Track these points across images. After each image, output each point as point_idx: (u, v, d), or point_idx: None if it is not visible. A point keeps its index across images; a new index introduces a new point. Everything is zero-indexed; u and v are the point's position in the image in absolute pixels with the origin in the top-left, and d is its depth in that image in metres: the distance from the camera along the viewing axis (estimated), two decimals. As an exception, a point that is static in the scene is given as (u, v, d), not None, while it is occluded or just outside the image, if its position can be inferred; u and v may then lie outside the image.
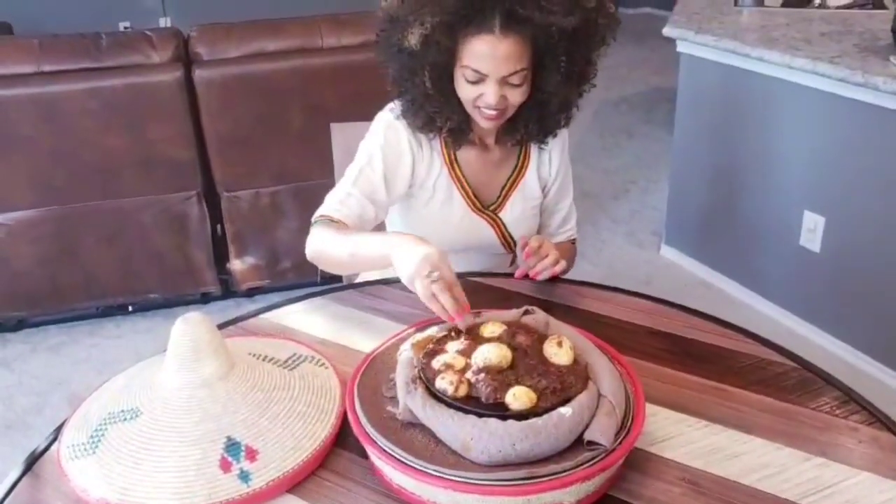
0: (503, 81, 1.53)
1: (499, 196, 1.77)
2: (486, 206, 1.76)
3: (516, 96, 1.57)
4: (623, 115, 5.43)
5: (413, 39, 1.52)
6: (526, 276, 1.64)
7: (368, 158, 1.66)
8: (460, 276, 1.71)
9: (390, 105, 1.70)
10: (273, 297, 1.67)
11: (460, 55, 1.54)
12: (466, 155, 1.73)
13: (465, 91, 1.57)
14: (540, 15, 1.48)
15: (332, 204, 1.63)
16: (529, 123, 1.67)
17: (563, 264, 1.62)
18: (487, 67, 1.51)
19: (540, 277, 1.62)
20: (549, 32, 1.52)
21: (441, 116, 1.62)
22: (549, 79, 1.59)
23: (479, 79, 1.53)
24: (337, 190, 1.66)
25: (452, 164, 1.72)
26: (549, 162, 1.79)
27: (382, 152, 1.65)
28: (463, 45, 1.53)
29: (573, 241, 1.94)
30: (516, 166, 1.77)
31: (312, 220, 1.63)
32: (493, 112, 1.57)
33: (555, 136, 1.74)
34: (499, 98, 1.54)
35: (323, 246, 1.58)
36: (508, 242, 1.80)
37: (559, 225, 1.89)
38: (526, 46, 1.52)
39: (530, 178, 1.79)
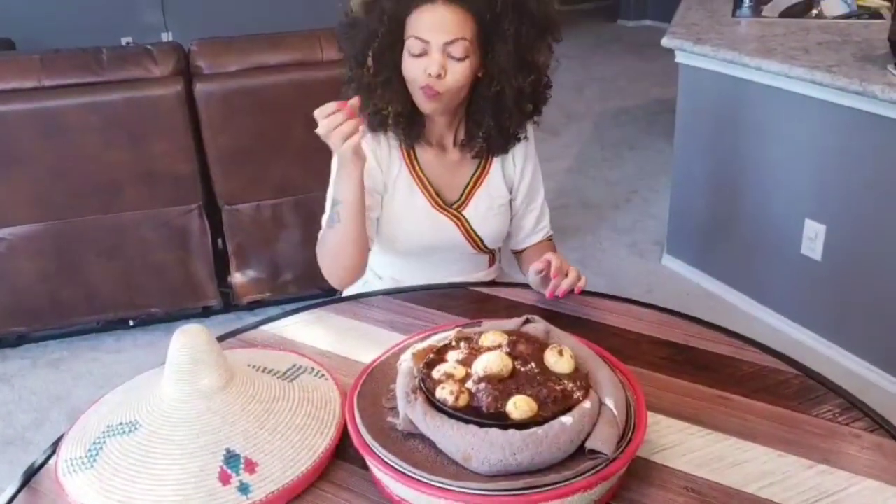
0: (445, 52, 1.55)
1: (461, 195, 1.76)
2: (450, 204, 1.76)
3: (458, 71, 1.57)
4: (624, 127, 5.44)
5: (357, 6, 1.59)
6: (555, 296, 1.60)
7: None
8: (452, 286, 1.72)
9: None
10: (274, 310, 1.67)
11: (406, 30, 1.57)
12: (426, 155, 1.73)
13: (409, 68, 1.58)
14: None
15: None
16: (486, 121, 1.66)
17: (584, 279, 1.60)
18: (429, 34, 1.54)
19: (565, 294, 1.59)
20: (494, 4, 1.54)
21: (383, 101, 1.62)
22: (499, 60, 1.59)
23: (423, 50, 1.55)
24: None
25: (412, 162, 1.72)
26: (513, 161, 1.78)
27: None
28: (408, 18, 1.56)
29: (549, 238, 1.92)
30: (479, 165, 1.76)
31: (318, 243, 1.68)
32: (430, 88, 1.57)
33: (517, 141, 1.74)
34: (440, 69, 1.54)
35: (324, 247, 1.63)
36: (476, 241, 1.78)
37: (534, 225, 1.87)
38: (469, 18, 1.55)
39: (495, 177, 1.78)
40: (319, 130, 1.44)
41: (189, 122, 2.91)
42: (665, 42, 3.25)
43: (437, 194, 1.74)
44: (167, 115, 2.88)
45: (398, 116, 1.63)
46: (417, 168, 1.72)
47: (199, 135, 2.95)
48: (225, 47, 2.97)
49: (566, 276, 1.57)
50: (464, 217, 1.76)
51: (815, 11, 3.47)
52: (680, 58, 3.27)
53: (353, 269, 1.65)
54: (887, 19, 3.18)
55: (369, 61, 1.60)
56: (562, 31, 1.65)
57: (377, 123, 1.65)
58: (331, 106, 1.43)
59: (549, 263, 1.57)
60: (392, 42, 1.59)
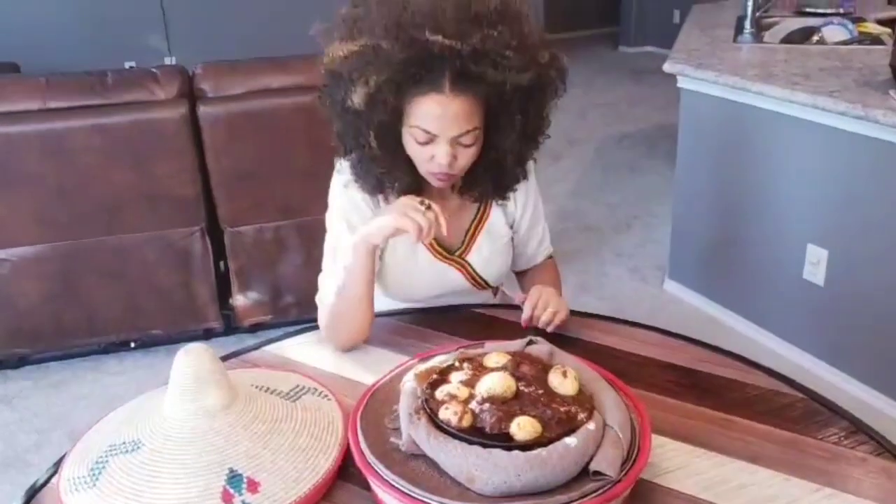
0: (454, 141, 1.46)
1: (463, 241, 1.70)
2: (452, 251, 1.70)
3: (467, 156, 1.50)
4: (625, 151, 5.46)
5: (358, 99, 1.44)
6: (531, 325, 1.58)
7: (337, 232, 1.63)
8: (454, 307, 1.71)
9: (337, 165, 1.64)
10: (276, 333, 1.66)
11: (408, 114, 1.46)
12: None
13: (414, 151, 1.51)
14: (494, 72, 1.41)
15: (325, 288, 1.64)
16: (485, 182, 1.62)
17: (562, 315, 1.56)
18: (438, 128, 1.44)
19: (549, 329, 1.56)
20: (503, 90, 1.44)
21: (389, 177, 1.55)
22: (505, 137, 1.53)
23: (429, 139, 1.46)
24: (324, 271, 1.67)
25: None
26: (514, 199, 1.72)
27: (346, 222, 1.61)
28: (411, 104, 1.45)
29: (550, 256, 1.89)
30: (479, 208, 1.71)
31: (318, 303, 1.65)
32: (444, 174, 1.51)
33: (514, 190, 1.69)
34: (450, 158, 1.47)
35: (328, 310, 1.57)
36: (481, 283, 1.74)
37: (536, 248, 1.84)
38: (478, 105, 1.45)
39: (496, 219, 1.73)
40: (405, 200, 1.43)
41: (192, 144, 2.92)
42: (667, 67, 3.26)
43: (439, 243, 1.68)
44: (171, 138, 2.89)
45: (402, 185, 1.56)
46: None
47: (202, 157, 2.96)
48: (228, 70, 2.99)
49: (546, 307, 1.55)
50: (468, 263, 1.71)
51: (816, 38, 3.49)
52: (681, 83, 3.29)
53: (360, 334, 1.57)
54: (888, 45, 3.20)
55: (372, 141, 1.50)
56: (566, 84, 1.57)
57: (377, 188, 1.59)
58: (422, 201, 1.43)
59: (529, 297, 1.57)
60: (394, 124, 1.50)
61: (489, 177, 1.61)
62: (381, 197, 1.61)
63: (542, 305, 1.56)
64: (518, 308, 1.62)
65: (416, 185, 1.57)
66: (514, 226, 1.77)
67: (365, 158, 1.54)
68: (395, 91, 1.43)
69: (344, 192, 1.62)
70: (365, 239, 1.48)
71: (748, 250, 3.21)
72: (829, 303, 2.90)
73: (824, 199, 2.85)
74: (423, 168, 1.53)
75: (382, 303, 1.69)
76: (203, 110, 2.90)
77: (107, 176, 2.89)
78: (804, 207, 2.93)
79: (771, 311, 3.16)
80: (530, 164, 1.71)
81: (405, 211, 1.41)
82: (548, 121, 1.59)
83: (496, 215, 1.73)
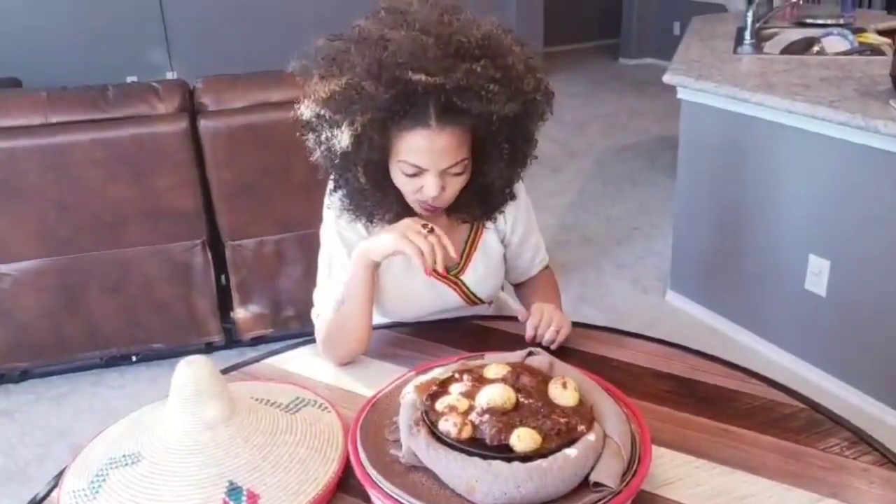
0: (444, 172, 1.46)
1: (460, 261, 1.69)
2: (448, 271, 1.68)
3: (456, 185, 1.51)
4: (626, 163, 5.46)
5: (344, 140, 1.44)
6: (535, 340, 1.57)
7: (331, 246, 1.63)
8: (454, 319, 1.71)
9: (329, 193, 1.62)
10: (277, 346, 1.66)
11: (396, 149, 1.46)
12: None
13: (402, 184, 1.51)
14: (479, 104, 1.40)
15: (321, 304, 1.64)
16: (473, 206, 1.62)
17: (565, 332, 1.56)
18: (426, 161, 1.44)
19: (554, 346, 1.54)
20: (490, 121, 1.44)
21: (380, 210, 1.55)
22: (492, 165, 1.53)
23: (418, 172, 1.46)
24: (319, 287, 1.66)
25: None
26: (504, 217, 1.71)
27: (340, 236, 1.61)
28: (398, 139, 1.44)
29: (547, 267, 1.88)
30: (472, 228, 1.70)
31: (313, 319, 1.65)
32: (431, 207, 1.52)
33: (502, 212, 1.68)
34: (439, 190, 1.47)
35: (326, 326, 1.56)
36: (474, 301, 1.74)
37: (530, 260, 1.83)
38: (465, 136, 1.45)
39: (489, 237, 1.72)
40: (408, 222, 1.43)
41: (193, 158, 2.93)
42: (667, 78, 3.27)
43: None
44: (172, 152, 2.90)
45: (392, 217, 1.55)
46: None
47: (203, 171, 2.97)
48: (229, 84, 3.00)
49: (549, 325, 1.55)
50: (462, 282, 1.71)
51: (816, 48, 3.51)
52: (682, 94, 3.29)
53: (358, 348, 1.57)
54: (888, 56, 3.21)
55: (360, 177, 1.50)
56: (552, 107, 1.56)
57: (369, 219, 1.58)
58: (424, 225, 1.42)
59: (531, 316, 1.56)
60: (382, 159, 1.50)
61: (477, 201, 1.61)
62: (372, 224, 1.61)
63: (544, 323, 1.55)
64: (517, 320, 1.62)
65: (406, 214, 1.55)
66: (506, 241, 1.76)
67: (355, 194, 1.54)
68: (380, 129, 1.43)
69: (333, 206, 1.62)
70: (364, 255, 1.48)
71: (750, 261, 3.20)
72: (831, 313, 2.89)
73: (826, 209, 2.85)
74: (411, 198, 1.53)
75: (375, 317, 1.69)
76: (204, 124, 2.91)
77: (108, 190, 2.89)
78: (805, 218, 2.93)
79: (773, 322, 3.16)
80: (519, 184, 1.69)
81: (406, 233, 1.41)
82: (535, 143, 1.59)
83: (489, 234, 1.72)
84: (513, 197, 1.67)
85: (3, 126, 2.80)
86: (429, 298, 1.70)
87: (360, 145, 1.44)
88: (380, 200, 1.54)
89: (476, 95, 1.39)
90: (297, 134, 1.56)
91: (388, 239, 1.43)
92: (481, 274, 1.72)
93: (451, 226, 1.67)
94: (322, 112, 1.46)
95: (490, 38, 1.44)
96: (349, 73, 1.41)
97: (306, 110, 1.49)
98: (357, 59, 1.41)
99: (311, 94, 1.47)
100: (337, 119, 1.43)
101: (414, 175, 1.47)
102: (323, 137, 1.48)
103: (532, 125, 1.54)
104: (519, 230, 1.76)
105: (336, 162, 1.50)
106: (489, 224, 1.72)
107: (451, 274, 1.70)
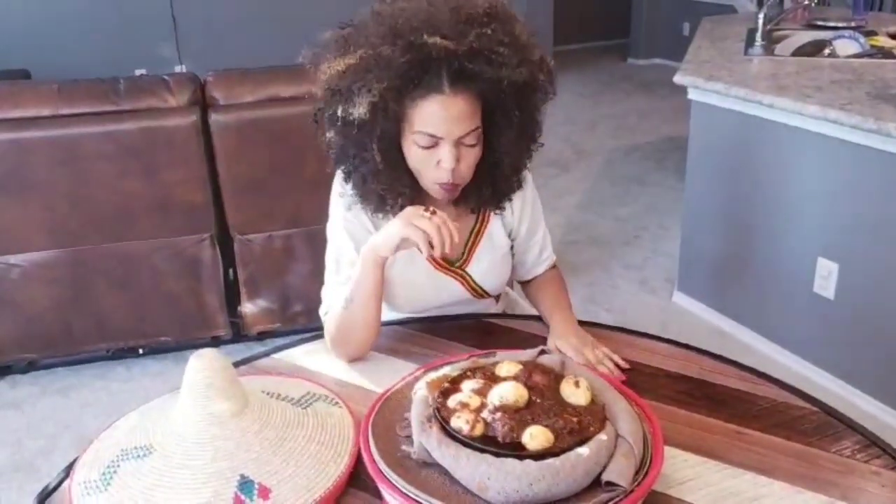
0: (458, 142, 1.47)
1: (463, 252, 1.69)
2: (453, 263, 1.69)
3: (471, 157, 1.51)
4: (634, 164, 5.45)
5: (361, 109, 1.44)
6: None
7: (339, 243, 1.63)
8: (465, 316, 1.70)
9: (338, 188, 1.63)
10: (284, 341, 1.65)
11: (410, 121, 1.47)
12: None
13: (418, 159, 1.50)
14: (490, 69, 1.42)
15: (329, 299, 1.64)
16: (483, 189, 1.62)
17: (605, 349, 1.53)
18: (441, 129, 1.45)
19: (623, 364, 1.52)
20: (500, 87, 1.46)
21: (392, 193, 1.54)
22: (502, 137, 1.54)
23: (433, 143, 1.47)
24: (327, 283, 1.66)
25: None
26: (511, 207, 1.72)
27: (348, 232, 1.61)
28: (412, 109, 1.46)
29: (554, 266, 1.87)
30: (478, 219, 1.70)
31: (322, 316, 1.64)
32: (449, 184, 1.51)
33: (510, 199, 1.69)
34: (455, 161, 1.47)
35: (335, 323, 1.55)
36: (481, 293, 1.74)
37: (537, 256, 1.82)
38: (477, 104, 1.47)
39: (495, 228, 1.72)
40: (410, 209, 1.43)
41: (203, 152, 2.93)
42: (677, 79, 3.26)
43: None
44: (182, 145, 2.90)
45: (405, 200, 1.55)
46: None
47: (213, 165, 2.97)
48: (240, 79, 3.00)
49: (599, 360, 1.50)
50: (468, 274, 1.71)
51: (827, 51, 3.49)
52: (692, 94, 3.28)
53: (367, 345, 1.57)
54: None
55: (375, 154, 1.50)
56: (556, 86, 1.59)
57: (379, 208, 1.58)
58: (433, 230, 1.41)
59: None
60: (396, 135, 1.51)
61: (486, 184, 1.61)
62: (380, 216, 1.61)
63: (595, 362, 1.49)
64: (531, 318, 1.62)
65: (417, 201, 1.55)
66: (513, 234, 1.76)
67: (368, 175, 1.54)
68: (397, 97, 1.44)
69: (341, 201, 1.62)
70: (373, 251, 1.48)
71: (758, 263, 3.20)
72: (839, 317, 2.89)
73: (835, 212, 2.84)
74: (430, 177, 1.52)
75: (385, 312, 1.69)
76: (214, 118, 2.91)
77: (117, 183, 2.89)
78: (815, 220, 2.92)
79: (781, 325, 3.15)
80: (526, 173, 1.71)
81: (410, 220, 1.41)
82: (541, 124, 1.61)
83: (495, 226, 1.72)
84: (520, 185, 1.68)
85: (14, 117, 2.80)
86: (433, 291, 1.70)
87: (377, 115, 1.45)
88: (392, 183, 1.53)
89: (487, 60, 1.42)
90: (313, 117, 1.59)
91: (394, 228, 1.44)
92: (486, 266, 1.72)
93: (457, 216, 1.66)
94: (337, 86, 1.47)
95: (496, 7, 1.49)
96: (365, 47, 1.45)
97: (321, 90, 1.52)
98: (372, 30, 1.46)
99: (326, 72, 1.49)
100: (354, 89, 1.44)
101: (430, 147, 1.48)
102: (339, 112, 1.48)
103: (537, 99, 1.56)
104: (526, 221, 1.76)
105: (352, 136, 1.50)
106: (496, 216, 1.72)
107: (455, 266, 1.70)
